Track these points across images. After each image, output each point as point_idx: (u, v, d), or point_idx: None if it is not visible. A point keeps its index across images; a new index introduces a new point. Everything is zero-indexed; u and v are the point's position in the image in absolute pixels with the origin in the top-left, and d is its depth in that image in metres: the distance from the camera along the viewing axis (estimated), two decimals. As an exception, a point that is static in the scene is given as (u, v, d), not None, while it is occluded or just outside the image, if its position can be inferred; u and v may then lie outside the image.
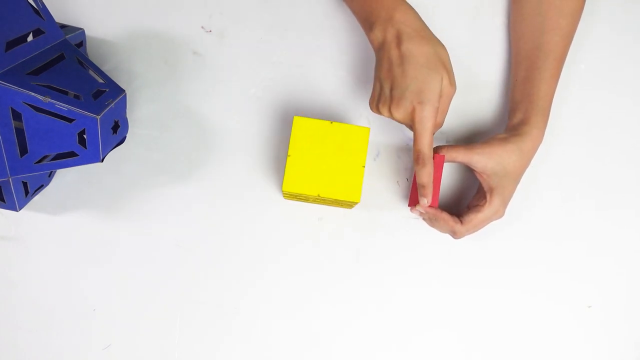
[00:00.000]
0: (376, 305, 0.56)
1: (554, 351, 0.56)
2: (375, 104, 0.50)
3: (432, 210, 0.52)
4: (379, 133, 0.58)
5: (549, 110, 0.53)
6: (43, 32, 0.48)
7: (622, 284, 0.57)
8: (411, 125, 0.49)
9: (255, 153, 0.58)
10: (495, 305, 0.57)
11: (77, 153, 0.47)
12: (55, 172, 0.57)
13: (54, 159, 0.48)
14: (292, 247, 0.57)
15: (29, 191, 0.53)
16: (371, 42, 0.51)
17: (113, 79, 0.53)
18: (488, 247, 0.57)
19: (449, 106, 0.50)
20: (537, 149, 0.52)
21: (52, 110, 0.44)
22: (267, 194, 0.57)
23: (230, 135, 0.58)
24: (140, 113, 0.58)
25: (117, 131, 0.51)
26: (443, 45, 0.48)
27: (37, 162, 0.47)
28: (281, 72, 0.59)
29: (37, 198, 0.57)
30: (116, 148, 0.56)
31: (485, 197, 0.52)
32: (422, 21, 0.49)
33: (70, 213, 0.57)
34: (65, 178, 0.58)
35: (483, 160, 0.50)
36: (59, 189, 0.57)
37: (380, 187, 0.58)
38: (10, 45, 0.44)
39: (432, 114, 0.47)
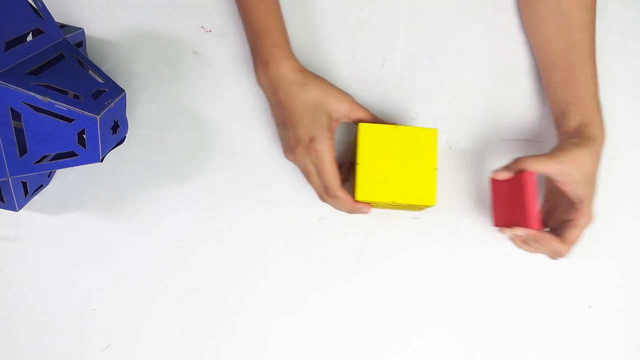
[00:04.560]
0: (377, 305, 0.56)
1: (554, 351, 0.56)
2: (286, 148, 0.52)
3: (534, 233, 0.48)
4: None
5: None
6: (43, 32, 0.48)
7: (622, 284, 0.57)
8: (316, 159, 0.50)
9: (255, 153, 0.58)
10: (496, 305, 0.57)
11: (76, 153, 0.47)
12: (54, 172, 0.57)
13: (53, 159, 0.48)
14: (292, 247, 0.57)
15: (28, 191, 0.52)
16: (257, 81, 0.53)
17: (113, 79, 0.53)
18: (488, 248, 0.57)
19: (357, 110, 0.51)
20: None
21: (52, 110, 0.44)
22: (267, 194, 0.57)
23: (231, 135, 0.58)
24: (140, 113, 0.58)
25: (117, 131, 0.51)
26: (317, 82, 0.51)
27: (36, 162, 0.47)
28: (281, 72, 0.59)
29: (37, 198, 0.57)
30: (116, 148, 0.56)
31: (575, 209, 0.49)
32: (296, 64, 0.51)
33: (70, 213, 0.57)
34: (65, 178, 0.58)
35: (565, 169, 0.47)
36: (58, 189, 0.57)
37: (380, 187, 0.58)
38: (10, 45, 0.44)
39: (325, 148, 0.49)
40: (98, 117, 0.45)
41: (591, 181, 0.49)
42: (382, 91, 0.59)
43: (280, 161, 0.58)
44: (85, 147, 0.47)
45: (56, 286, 0.56)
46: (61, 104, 0.44)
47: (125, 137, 0.55)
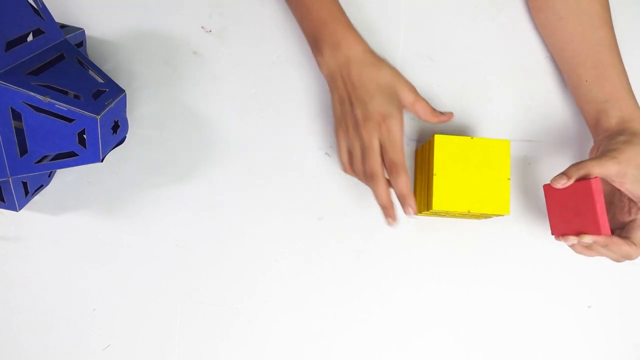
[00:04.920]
0: (377, 305, 0.56)
1: (553, 351, 0.56)
2: (344, 127, 0.52)
3: (602, 239, 0.47)
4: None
5: None
6: (43, 32, 0.48)
7: (622, 284, 0.57)
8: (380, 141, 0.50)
9: (256, 153, 0.58)
10: (496, 305, 0.57)
11: (77, 153, 0.47)
12: (55, 172, 0.57)
13: (53, 159, 0.48)
14: (292, 247, 0.57)
15: (28, 191, 0.52)
16: (320, 65, 0.53)
17: (113, 79, 0.53)
18: (488, 247, 0.57)
19: (421, 101, 0.52)
20: None
21: (52, 110, 0.44)
22: (267, 194, 0.57)
23: (230, 135, 0.58)
24: (140, 113, 0.58)
25: (117, 131, 0.51)
26: (389, 66, 0.52)
27: (37, 162, 0.47)
28: (281, 72, 0.59)
29: (37, 198, 0.57)
30: (116, 148, 0.56)
31: (637, 208, 0.48)
32: (367, 46, 0.52)
33: (70, 213, 0.57)
34: (65, 178, 0.58)
35: (623, 168, 0.47)
36: (59, 189, 0.57)
37: (380, 187, 0.58)
38: (10, 45, 0.44)
39: (398, 126, 0.49)
40: (98, 117, 0.45)
41: None
42: (382, 91, 0.59)
43: (280, 161, 0.58)
44: (85, 147, 0.47)
45: (56, 286, 0.56)
46: (61, 104, 0.44)
47: (125, 137, 0.55)
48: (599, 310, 0.57)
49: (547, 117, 0.59)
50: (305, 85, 0.59)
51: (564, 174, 0.47)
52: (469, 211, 0.50)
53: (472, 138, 0.51)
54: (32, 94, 0.43)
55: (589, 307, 0.57)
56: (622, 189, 0.48)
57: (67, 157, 0.47)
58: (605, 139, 0.50)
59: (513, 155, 0.58)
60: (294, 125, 0.58)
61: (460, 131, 0.58)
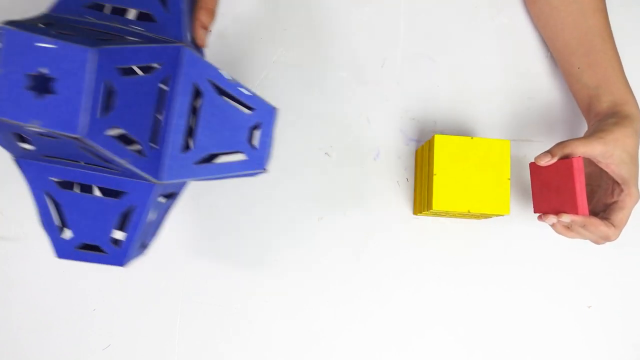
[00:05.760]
0: (377, 305, 0.56)
1: (553, 351, 0.56)
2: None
3: (581, 218, 0.47)
4: (379, 133, 0.58)
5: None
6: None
7: (622, 284, 0.57)
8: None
9: (255, 153, 0.58)
10: (496, 305, 0.57)
11: (244, 154, 0.39)
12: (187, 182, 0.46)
13: (206, 160, 0.39)
14: (292, 248, 0.57)
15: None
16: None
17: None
18: (488, 247, 0.57)
19: None
20: None
21: (233, 94, 0.38)
22: (267, 194, 0.57)
23: (230, 135, 0.58)
24: (140, 113, 0.58)
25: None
26: None
27: (197, 163, 0.39)
28: (281, 72, 0.59)
29: (37, 198, 0.57)
30: None
31: (620, 190, 0.48)
32: None
33: (70, 213, 0.57)
34: (65, 178, 0.58)
35: (609, 149, 0.47)
36: (58, 189, 0.57)
37: (381, 187, 0.58)
38: None
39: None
40: (276, 109, 0.38)
41: (634, 160, 0.48)
42: (382, 91, 0.59)
43: (280, 161, 0.58)
44: (255, 148, 0.39)
45: (56, 286, 0.56)
46: (245, 87, 0.37)
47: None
48: (599, 310, 0.57)
49: (547, 117, 0.59)
50: (304, 86, 0.59)
51: (548, 151, 0.48)
52: (469, 211, 0.50)
53: (472, 138, 0.51)
54: (220, 71, 0.37)
55: (589, 307, 0.57)
56: (608, 170, 0.48)
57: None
58: (596, 122, 0.50)
59: (513, 155, 0.58)
60: (293, 125, 0.58)
61: (460, 131, 0.58)
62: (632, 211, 0.49)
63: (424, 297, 0.56)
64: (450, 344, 0.56)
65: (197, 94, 0.38)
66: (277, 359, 0.56)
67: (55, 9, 0.39)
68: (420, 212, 0.55)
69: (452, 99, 0.59)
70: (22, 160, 0.38)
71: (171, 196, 0.45)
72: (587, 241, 0.58)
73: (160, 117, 0.38)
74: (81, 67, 0.32)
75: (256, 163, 0.40)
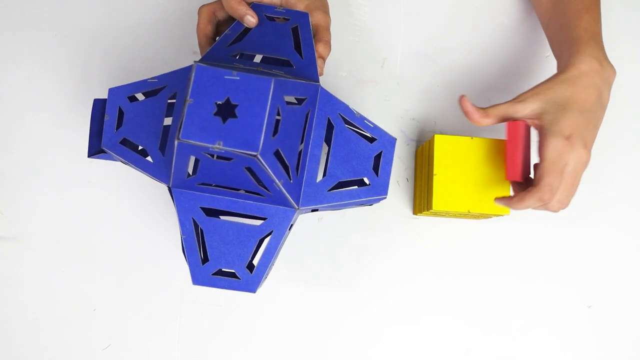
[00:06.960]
0: (377, 306, 0.56)
1: (554, 351, 0.56)
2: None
3: (506, 201, 0.46)
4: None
5: (599, 41, 0.47)
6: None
7: (622, 284, 0.57)
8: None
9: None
10: (496, 305, 0.57)
11: (367, 182, 0.43)
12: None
13: (334, 188, 0.43)
14: (292, 247, 0.57)
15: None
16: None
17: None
18: (488, 247, 0.57)
19: None
20: (599, 77, 0.45)
21: (359, 126, 0.42)
22: (267, 194, 0.57)
23: (230, 135, 0.58)
24: (140, 113, 0.58)
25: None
26: None
27: (329, 190, 0.42)
28: (281, 72, 0.59)
29: (37, 198, 0.57)
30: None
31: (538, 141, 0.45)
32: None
33: (70, 213, 0.57)
34: (65, 178, 0.58)
35: (528, 105, 0.45)
36: (59, 188, 0.57)
37: (380, 187, 0.58)
38: None
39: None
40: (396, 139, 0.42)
41: (567, 107, 0.44)
42: (382, 91, 0.59)
43: (280, 161, 0.58)
44: (377, 175, 0.43)
45: (56, 286, 0.56)
46: (369, 120, 0.42)
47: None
48: (599, 310, 0.57)
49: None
50: (305, 85, 0.59)
51: (484, 110, 0.46)
52: (469, 211, 0.50)
53: (472, 138, 0.51)
54: (348, 106, 0.41)
55: (589, 307, 0.57)
56: (535, 128, 0.46)
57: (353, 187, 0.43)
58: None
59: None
60: (294, 125, 0.58)
61: (460, 131, 0.59)
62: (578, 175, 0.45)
63: (424, 297, 0.56)
64: (451, 343, 0.56)
65: (329, 127, 0.42)
66: (277, 358, 0.56)
67: (206, 57, 0.43)
68: (420, 212, 0.55)
69: (452, 99, 0.59)
70: (176, 189, 0.42)
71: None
72: (587, 241, 0.58)
73: (301, 147, 0.42)
74: (265, 94, 0.37)
75: (379, 190, 0.43)
